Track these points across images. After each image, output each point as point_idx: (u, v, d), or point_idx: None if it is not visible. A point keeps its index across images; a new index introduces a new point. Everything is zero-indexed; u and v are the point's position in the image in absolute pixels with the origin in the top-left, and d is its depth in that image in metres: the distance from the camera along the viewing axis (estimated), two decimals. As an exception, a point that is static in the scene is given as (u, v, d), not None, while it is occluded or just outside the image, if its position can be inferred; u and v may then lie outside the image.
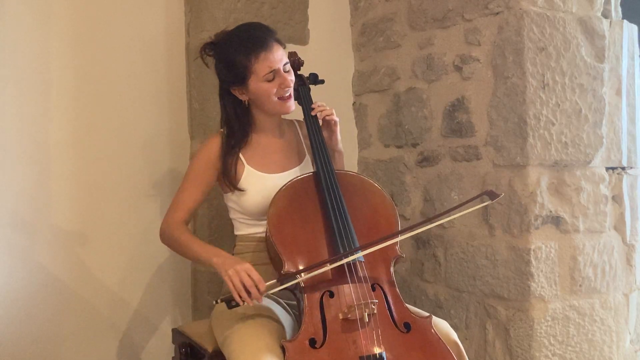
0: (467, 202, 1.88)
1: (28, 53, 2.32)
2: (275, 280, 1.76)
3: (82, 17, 2.41)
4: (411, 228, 1.88)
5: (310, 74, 2.19)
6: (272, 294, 1.91)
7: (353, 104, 2.93)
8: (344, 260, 1.77)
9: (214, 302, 1.76)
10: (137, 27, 2.50)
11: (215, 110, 2.51)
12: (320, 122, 2.02)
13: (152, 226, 2.52)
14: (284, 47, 1.96)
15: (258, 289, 1.72)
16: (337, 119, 2.04)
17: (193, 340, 2.09)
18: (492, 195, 1.83)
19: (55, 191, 2.37)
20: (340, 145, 2.11)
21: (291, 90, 1.97)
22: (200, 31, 2.52)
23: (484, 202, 1.91)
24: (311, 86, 2.16)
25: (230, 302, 1.73)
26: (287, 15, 2.66)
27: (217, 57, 1.97)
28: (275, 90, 1.92)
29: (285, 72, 1.93)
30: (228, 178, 1.97)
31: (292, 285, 1.78)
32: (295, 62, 2.13)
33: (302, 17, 2.72)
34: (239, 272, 1.73)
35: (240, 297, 1.71)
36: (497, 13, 2.21)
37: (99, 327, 2.46)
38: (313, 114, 2.02)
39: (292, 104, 1.99)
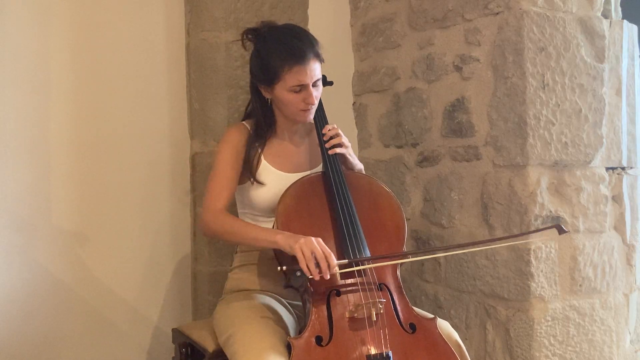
0: (535, 231, 1.87)
1: (28, 53, 2.33)
2: (345, 260, 1.72)
3: (82, 17, 2.42)
4: (433, 251, 1.90)
5: None
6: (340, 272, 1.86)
7: (353, 104, 2.93)
8: (354, 268, 1.76)
9: (278, 268, 1.69)
10: (137, 27, 2.50)
11: (215, 110, 2.51)
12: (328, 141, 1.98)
13: (152, 226, 2.53)
14: (321, 61, 1.94)
15: (328, 264, 1.67)
16: (344, 149, 1.98)
17: (193, 340, 2.09)
18: (560, 229, 1.83)
19: (55, 191, 2.37)
20: (359, 166, 2.09)
21: (315, 104, 1.95)
22: (200, 31, 2.52)
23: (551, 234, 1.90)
24: None
25: (295, 273, 1.67)
26: (287, 15, 2.66)
27: (255, 48, 1.97)
28: (298, 102, 1.92)
29: (313, 86, 1.91)
30: (250, 170, 1.98)
31: (359, 269, 1.76)
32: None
33: (302, 17, 2.72)
34: (311, 243, 1.67)
35: (308, 268, 1.65)
36: (497, 13, 2.21)
37: (99, 327, 2.46)
38: (325, 139, 1.98)
39: (311, 116, 1.98)
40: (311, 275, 1.66)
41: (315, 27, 2.75)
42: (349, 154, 2.01)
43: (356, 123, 2.91)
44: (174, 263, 2.58)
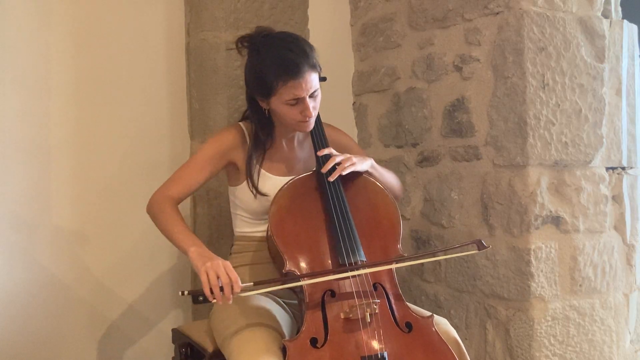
0: (457, 247, 1.87)
1: (28, 53, 2.33)
2: (251, 283, 1.72)
3: (83, 17, 2.42)
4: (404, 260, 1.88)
5: None
6: (263, 293, 1.89)
7: (353, 104, 2.93)
8: (348, 274, 1.75)
9: (180, 293, 1.67)
10: (137, 27, 2.51)
11: (215, 110, 2.51)
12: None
13: (152, 225, 2.53)
14: (318, 70, 1.88)
15: (232, 289, 1.65)
16: (352, 168, 1.90)
17: (193, 340, 2.09)
18: (480, 245, 1.82)
19: (55, 191, 2.38)
20: (368, 164, 1.98)
21: (314, 114, 1.90)
22: (200, 31, 2.52)
23: (471, 250, 1.89)
24: None
25: (198, 297, 1.65)
26: (287, 15, 2.66)
27: (248, 59, 1.93)
28: (295, 114, 1.87)
29: (311, 97, 1.86)
30: (252, 183, 1.96)
31: (269, 290, 1.78)
32: None
33: (302, 17, 2.72)
34: (218, 267, 1.65)
35: (211, 293, 1.63)
36: (497, 13, 2.21)
37: (99, 327, 2.46)
38: (324, 171, 1.90)
39: (311, 125, 1.93)
40: (214, 300, 1.64)
41: (315, 27, 2.76)
42: (357, 170, 1.92)
43: (356, 123, 2.91)
44: (174, 263, 2.58)
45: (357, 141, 2.87)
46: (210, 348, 1.97)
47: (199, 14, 2.53)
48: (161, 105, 2.56)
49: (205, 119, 2.53)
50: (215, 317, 1.95)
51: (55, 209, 2.38)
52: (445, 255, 1.84)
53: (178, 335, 2.20)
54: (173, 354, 2.25)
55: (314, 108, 1.89)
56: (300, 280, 1.76)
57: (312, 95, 1.87)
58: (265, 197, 1.94)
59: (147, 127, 2.52)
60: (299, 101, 1.85)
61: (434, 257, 1.87)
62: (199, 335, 2.07)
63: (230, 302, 1.66)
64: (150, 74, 2.53)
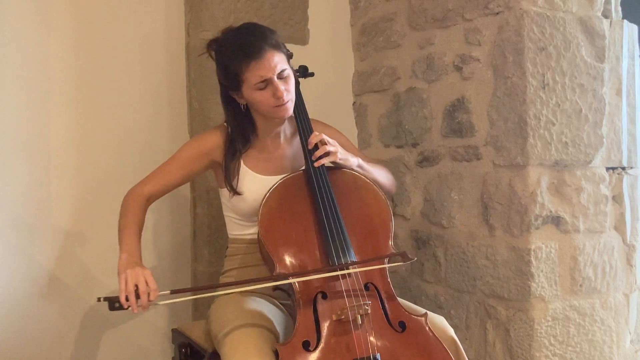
0: (385, 256, 1.85)
1: (28, 53, 2.32)
2: (167, 292, 1.71)
3: (82, 16, 2.42)
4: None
5: (299, 67, 2.14)
6: (264, 294, 1.90)
7: (353, 104, 2.93)
8: (337, 273, 1.74)
9: (97, 299, 1.69)
10: (137, 26, 2.50)
11: (215, 110, 2.51)
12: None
13: (152, 225, 2.53)
14: (283, 51, 1.86)
15: (149, 298, 1.67)
16: (332, 158, 1.88)
17: (193, 340, 2.09)
18: (405, 257, 1.80)
19: (55, 191, 2.37)
20: (355, 162, 1.96)
21: (288, 97, 1.86)
22: (200, 31, 2.52)
23: (396, 262, 1.87)
24: (300, 79, 2.10)
25: (114, 304, 1.66)
26: (287, 15, 2.66)
27: (215, 58, 1.92)
28: (268, 99, 1.84)
29: (281, 78, 1.83)
30: (229, 183, 1.95)
31: (249, 289, 1.81)
32: None
33: (302, 17, 2.72)
34: (137, 275, 1.68)
35: (127, 300, 1.65)
36: (497, 13, 2.21)
37: (99, 327, 2.46)
38: (310, 147, 1.89)
39: (289, 110, 1.88)
40: (129, 307, 1.66)
41: (315, 27, 2.76)
42: (339, 159, 1.91)
43: (356, 123, 2.91)
44: (174, 263, 2.58)
45: (357, 141, 2.87)
46: (210, 348, 1.97)
47: (198, 13, 2.53)
48: (161, 105, 2.56)
49: (205, 119, 2.53)
50: (211, 319, 1.94)
51: (55, 209, 2.38)
52: (371, 266, 1.82)
53: (178, 335, 2.20)
54: (173, 354, 2.25)
55: (287, 90, 1.84)
56: (244, 286, 1.81)
57: (281, 77, 1.83)
58: (253, 198, 1.92)
59: (147, 127, 2.52)
60: (267, 83, 1.82)
61: (364, 267, 1.83)
62: (199, 335, 2.07)
63: (147, 310, 1.69)
64: (150, 74, 2.53)
